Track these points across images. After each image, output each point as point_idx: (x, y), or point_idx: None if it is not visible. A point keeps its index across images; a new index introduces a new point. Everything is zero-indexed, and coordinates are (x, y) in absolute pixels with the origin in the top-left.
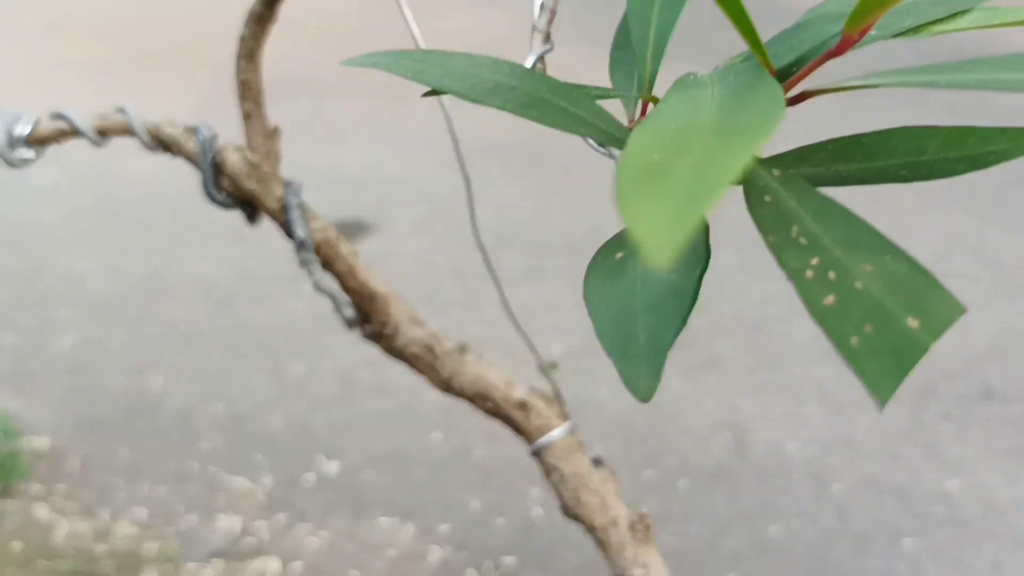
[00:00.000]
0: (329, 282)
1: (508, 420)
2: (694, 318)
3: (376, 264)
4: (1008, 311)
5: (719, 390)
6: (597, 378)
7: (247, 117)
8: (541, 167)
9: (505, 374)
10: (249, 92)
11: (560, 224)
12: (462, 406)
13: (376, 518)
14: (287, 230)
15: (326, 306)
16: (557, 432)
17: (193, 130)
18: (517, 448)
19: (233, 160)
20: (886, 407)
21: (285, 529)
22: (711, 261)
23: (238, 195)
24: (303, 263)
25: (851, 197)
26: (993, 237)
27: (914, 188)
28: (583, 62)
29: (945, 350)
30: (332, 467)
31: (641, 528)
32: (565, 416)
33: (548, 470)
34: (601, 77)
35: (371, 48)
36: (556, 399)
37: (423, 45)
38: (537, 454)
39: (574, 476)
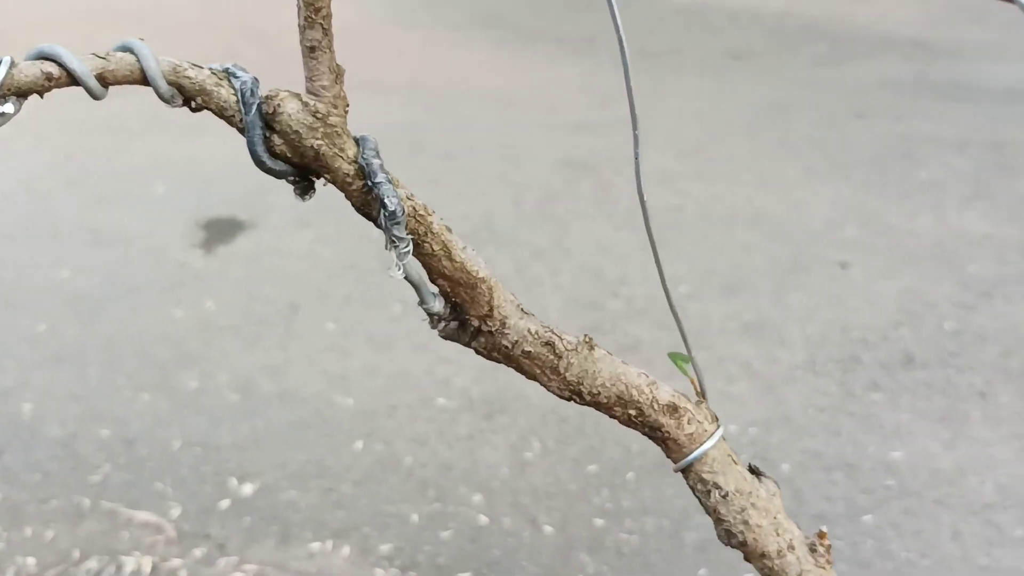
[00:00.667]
0: (415, 266)
1: (654, 429)
2: (608, 302)
3: (257, 263)
4: (911, 277)
5: (649, 375)
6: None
7: (311, 51)
8: (421, 155)
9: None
10: (316, 16)
11: (451, 212)
12: (380, 408)
13: (306, 543)
14: (362, 202)
15: (211, 311)
16: (713, 439)
17: (226, 74)
18: (448, 450)
19: (291, 111)
20: (814, 380)
21: (204, 566)
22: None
23: (297, 158)
24: (393, 242)
25: (737, 175)
26: (880, 207)
27: (797, 164)
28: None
29: (860, 320)
30: (247, 489)
31: (823, 550)
32: (715, 418)
33: (703, 487)
34: None
35: (213, 37)
36: (702, 397)
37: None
38: (685, 469)
39: (738, 494)
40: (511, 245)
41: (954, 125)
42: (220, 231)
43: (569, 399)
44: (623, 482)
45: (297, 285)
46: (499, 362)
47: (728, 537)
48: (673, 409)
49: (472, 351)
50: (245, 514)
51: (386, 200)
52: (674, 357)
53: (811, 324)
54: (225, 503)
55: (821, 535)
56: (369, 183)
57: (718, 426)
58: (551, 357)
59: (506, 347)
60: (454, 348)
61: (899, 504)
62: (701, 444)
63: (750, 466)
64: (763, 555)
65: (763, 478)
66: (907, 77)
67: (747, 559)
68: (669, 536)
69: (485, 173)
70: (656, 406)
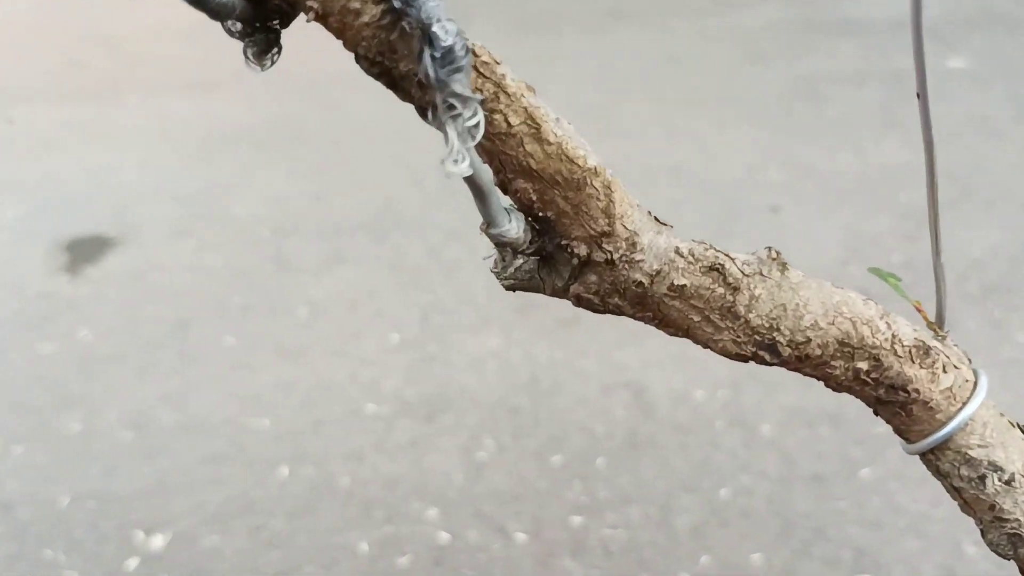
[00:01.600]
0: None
1: (896, 390)
2: None
3: (135, 281)
4: (846, 214)
5: (595, 349)
6: (454, 363)
7: None
8: (304, 147)
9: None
10: None
11: (348, 202)
12: (303, 426)
13: None
14: (379, 50)
15: (88, 341)
16: (979, 395)
17: None
18: (390, 463)
19: None
20: None
21: None
22: None
23: None
24: (450, 105)
25: (647, 132)
26: (798, 148)
27: (705, 115)
28: None
29: (805, 263)
30: (157, 543)
31: None
32: (968, 359)
33: (971, 472)
34: None
35: (55, 49)
36: (940, 329)
37: None
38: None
39: None
40: (421, 229)
41: (850, 60)
42: (87, 252)
43: (752, 358)
44: (594, 471)
45: (185, 300)
46: (621, 313)
47: (1014, 546)
48: (924, 352)
49: (562, 301)
50: (159, 573)
51: (436, 29)
52: (881, 274)
53: None
54: (133, 562)
55: None
56: (397, 4)
57: (978, 374)
58: (721, 291)
59: (640, 284)
60: (377, 348)
61: (896, 452)
62: (964, 404)
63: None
64: None
65: None
66: (794, 19)
67: None
68: (658, 525)
69: (379, 158)
70: (900, 349)
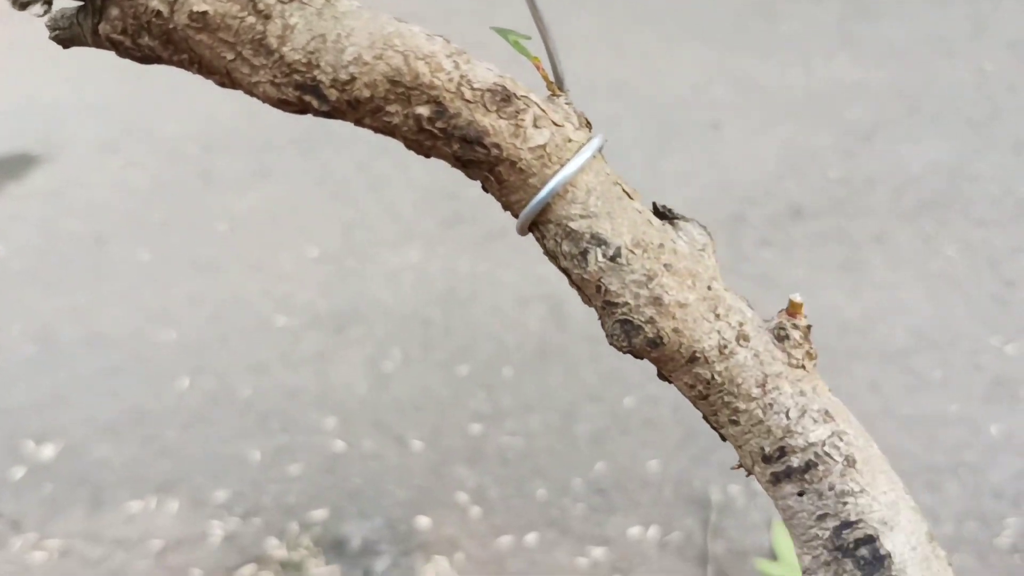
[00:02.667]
0: None
1: (470, 144)
2: (465, 191)
3: (57, 198)
4: (788, 130)
5: (518, 262)
6: (370, 276)
7: None
8: None
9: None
10: None
11: (279, 118)
12: (209, 339)
13: (123, 504)
14: None
15: (3, 257)
16: (583, 154)
17: None
18: (293, 375)
19: None
20: None
21: None
22: None
23: None
24: None
25: (592, 49)
26: (746, 65)
27: (654, 32)
28: None
29: (742, 178)
30: (47, 452)
31: (799, 337)
32: (585, 121)
33: (572, 246)
34: None
35: None
36: (558, 89)
37: None
38: (538, 221)
39: (639, 251)
40: (351, 145)
41: None
42: (11, 169)
43: (298, 104)
44: (500, 380)
45: (105, 216)
46: (161, 59)
47: (627, 335)
48: (503, 100)
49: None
50: (45, 481)
51: None
52: (503, 32)
53: (689, 187)
54: (18, 471)
55: (793, 308)
56: None
57: (591, 134)
58: (251, 20)
59: (160, 15)
60: (294, 262)
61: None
62: (561, 164)
63: (656, 206)
64: (694, 358)
65: (680, 222)
66: None
67: (665, 374)
68: (558, 432)
69: None
70: (468, 93)
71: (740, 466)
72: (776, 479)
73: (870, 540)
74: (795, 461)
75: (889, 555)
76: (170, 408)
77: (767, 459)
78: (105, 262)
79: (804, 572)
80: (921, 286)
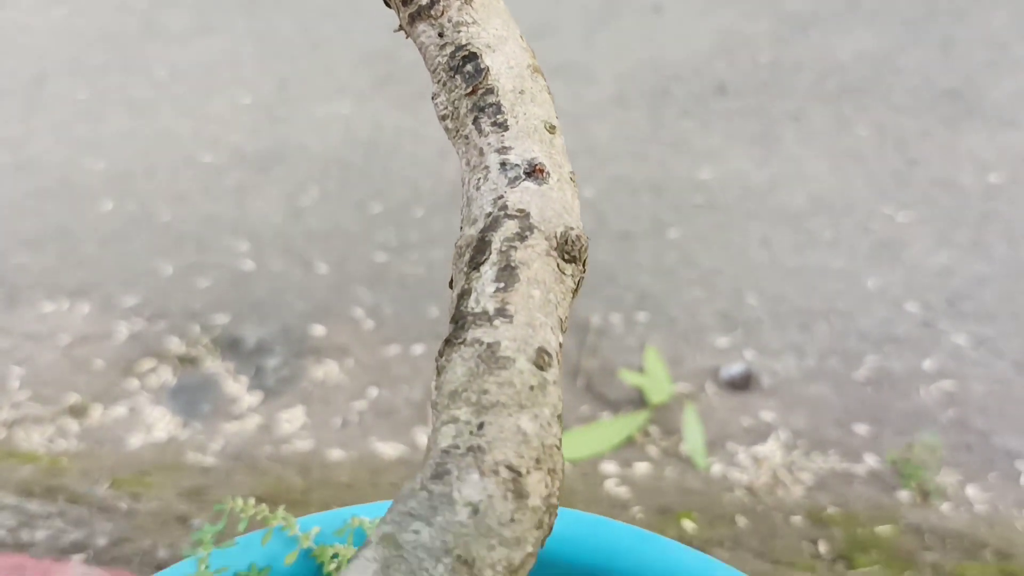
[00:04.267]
0: None
1: None
2: (402, 52)
3: (1, 42)
4: (728, 17)
5: None
6: (299, 124)
7: None
8: None
9: None
10: None
11: None
12: (136, 169)
13: (36, 304)
14: None
15: None
16: None
17: None
18: (213, 204)
19: None
20: (622, 113)
21: None
22: None
23: None
24: None
25: None
26: None
27: None
28: None
29: (674, 57)
30: None
31: None
32: None
33: None
34: None
35: None
36: None
37: None
38: None
39: None
40: (297, 7)
41: None
42: None
43: None
44: (410, 219)
45: (46, 57)
46: None
47: None
48: None
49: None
50: None
51: None
52: None
53: (621, 63)
54: None
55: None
56: None
57: None
58: None
59: None
60: (226, 108)
61: (708, 219)
62: None
63: None
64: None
65: None
66: None
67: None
68: None
69: None
70: None
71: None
72: (411, 20)
73: (474, 57)
74: (424, 1)
75: (488, 69)
76: (91, 227)
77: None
78: (42, 98)
79: (432, 97)
80: (828, 160)
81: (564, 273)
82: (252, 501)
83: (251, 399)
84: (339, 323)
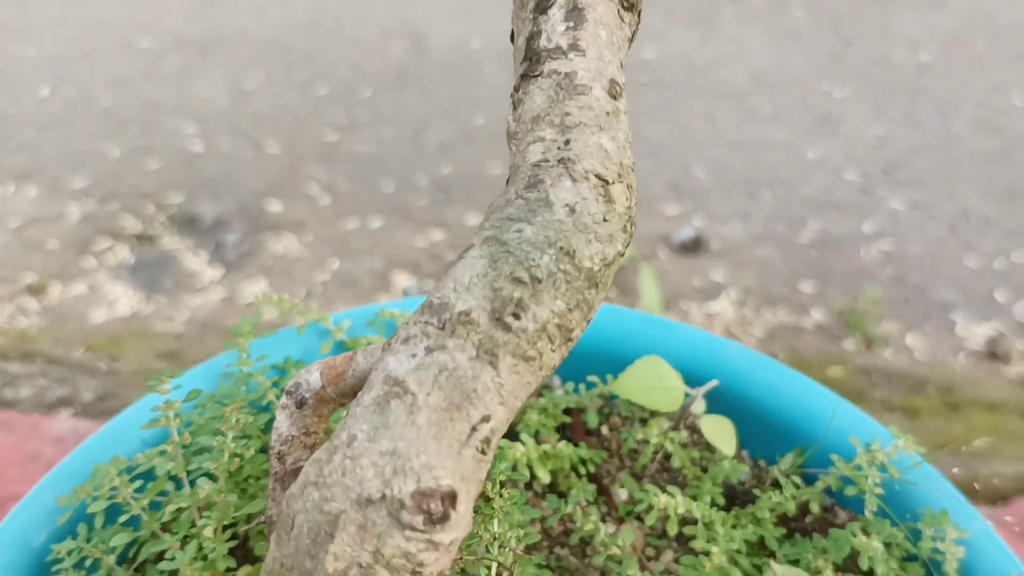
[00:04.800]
0: None
1: None
2: None
3: None
4: None
5: (382, 2)
6: (235, 7)
7: None
8: None
9: None
10: None
11: None
12: (71, 55)
13: None
14: None
15: None
16: None
17: None
18: (155, 88)
19: None
20: None
21: None
22: None
23: None
24: None
25: None
26: None
27: None
28: None
29: None
30: None
31: None
32: None
33: None
34: None
35: None
36: None
37: None
38: None
39: None
40: None
41: None
42: None
43: None
44: (357, 99)
45: None
46: None
47: None
48: None
49: None
50: None
51: None
52: None
53: None
54: None
55: None
56: None
57: None
58: None
59: None
60: None
61: (654, 96)
62: None
63: None
64: None
65: None
66: None
67: None
68: (409, 141)
69: None
70: None
71: None
72: None
73: None
74: None
75: None
76: (29, 113)
77: None
78: None
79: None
80: (766, 39)
81: (623, 20)
82: (287, 296)
83: (213, 273)
84: (295, 199)
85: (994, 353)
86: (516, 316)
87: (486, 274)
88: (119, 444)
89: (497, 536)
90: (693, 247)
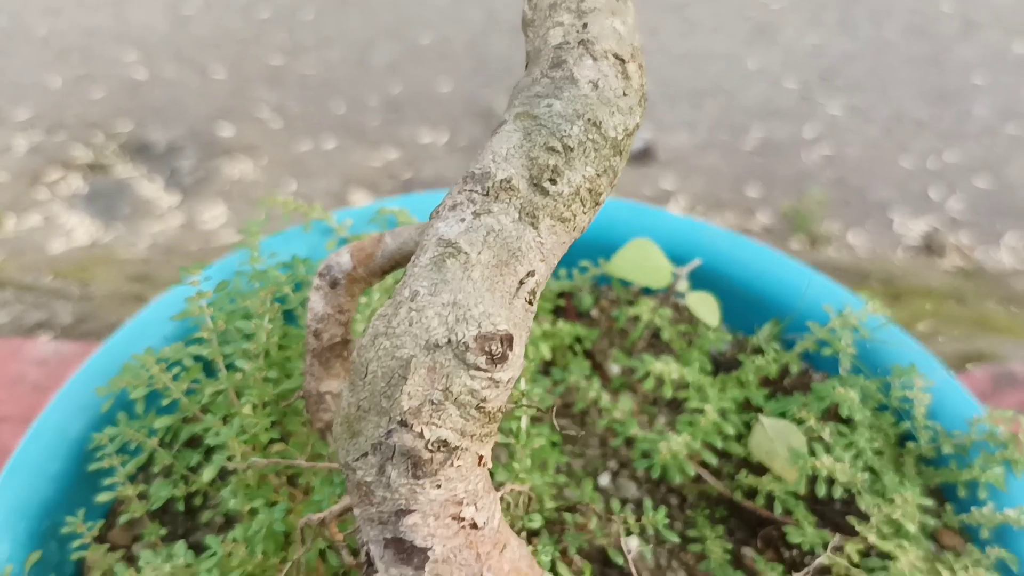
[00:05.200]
0: None
1: None
2: None
3: None
4: None
5: None
6: None
7: None
8: None
9: None
10: None
11: None
12: None
13: None
14: None
15: None
16: None
17: None
18: (90, 16)
19: None
20: None
21: None
22: None
23: None
24: None
25: None
26: None
27: None
28: None
29: None
30: None
31: None
32: None
33: None
34: None
35: None
36: None
37: None
38: None
39: None
40: None
41: None
42: None
43: None
44: (300, 22)
45: None
46: None
47: None
48: None
49: None
50: None
51: None
52: None
53: None
54: None
55: None
56: None
57: None
58: None
59: None
60: None
61: None
62: None
63: None
64: None
65: None
66: None
67: None
68: (356, 63)
69: None
70: None
71: None
72: None
73: None
74: None
75: None
76: None
77: None
78: None
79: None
80: None
81: None
82: (291, 198)
83: (170, 199)
84: (246, 123)
85: (929, 247)
86: (552, 181)
87: (522, 145)
88: (141, 341)
89: (525, 392)
90: (642, 157)
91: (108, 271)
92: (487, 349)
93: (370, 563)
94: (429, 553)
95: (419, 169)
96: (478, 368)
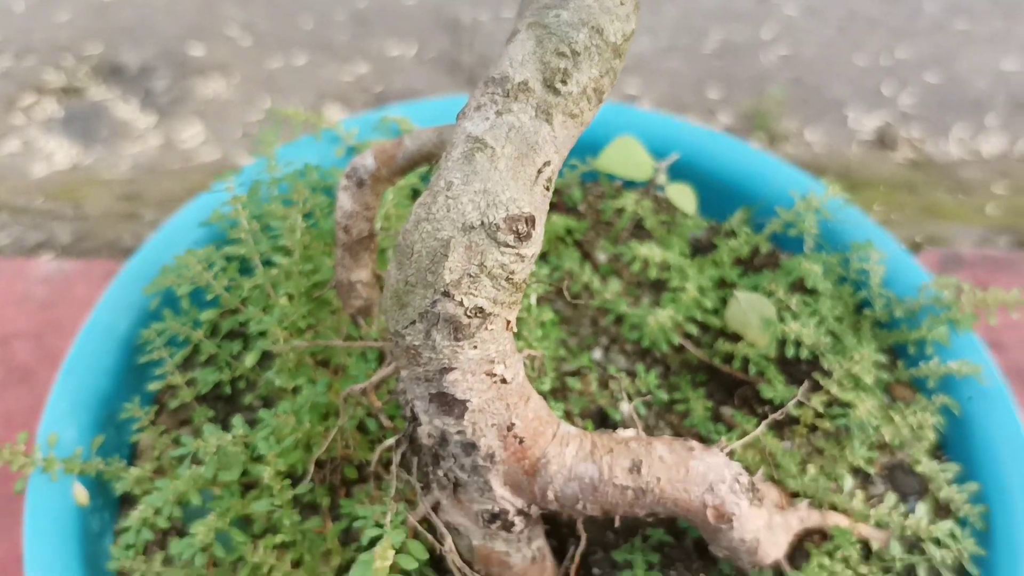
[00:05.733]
0: None
1: None
2: None
3: None
4: None
5: None
6: None
7: None
8: None
9: None
10: None
11: None
12: None
13: None
14: None
15: None
16: None
17: None
18: None
19: None
20: None
21: None
22: None
23: None
24: None
25: None
26: None
27: None
28: None
29: None
30: None
31: None
32: None
33: None
34: None
35: None
36: None
37: None
38: None
39: None
40: None
41: None
42: None
43: None
44: None
45: None
46: None
47: None
48: None
49: None
50: None
51: None
52: None
53: None
54: None
55: None
56: None
57: None
58: None
59: None
60: None
61: None
62: None
63: None
64: None
65: None
66: None
67: None
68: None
69: None
70: None
71: None
72: None
73: None
74: None
75: None
76: None
77: None
78: None
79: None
80: None
81: None
82: (301, 108)
83: (147, 120)
84: (217, 42)
85: (882, 140)
86: (563, 82)
87: (535, 51)
88: (171, 248)
89: (534, 273)
90: None
91: (97, 191)
92: (514, 228)
93: (414, 417)
94: (468, 404)
95: (390, 82)
96: (507, 245)
